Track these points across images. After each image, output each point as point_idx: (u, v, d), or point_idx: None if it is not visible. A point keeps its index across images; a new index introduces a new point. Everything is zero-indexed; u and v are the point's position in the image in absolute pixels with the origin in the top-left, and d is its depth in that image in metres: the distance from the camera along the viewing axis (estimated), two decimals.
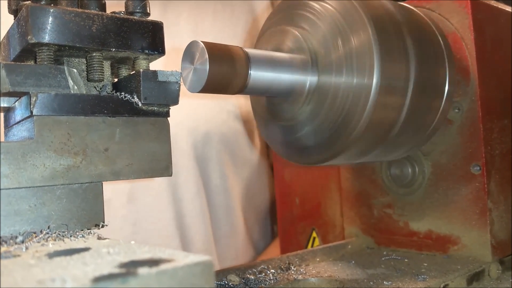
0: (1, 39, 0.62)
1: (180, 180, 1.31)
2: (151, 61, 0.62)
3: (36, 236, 0.50)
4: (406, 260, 0.83)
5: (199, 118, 1.34)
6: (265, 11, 1.48)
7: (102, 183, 0.57)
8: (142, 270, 0.34)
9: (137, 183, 1.27)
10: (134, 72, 0.59)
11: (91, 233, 0.53)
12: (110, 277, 0.33)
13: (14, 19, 0.58)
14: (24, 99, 0.55)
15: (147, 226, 1.29)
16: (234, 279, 0.73)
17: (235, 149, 1.42)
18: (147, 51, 0.60)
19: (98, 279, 0.32)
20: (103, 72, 0.59)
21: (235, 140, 1.42)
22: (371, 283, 0.71)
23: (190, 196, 1.33)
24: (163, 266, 0.35)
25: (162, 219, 1.30)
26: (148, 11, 0.61)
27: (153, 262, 0.36)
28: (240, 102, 1.43)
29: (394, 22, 0.71)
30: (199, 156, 1.33)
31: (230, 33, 1.43)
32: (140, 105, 0.59)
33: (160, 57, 0.62)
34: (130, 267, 0.35)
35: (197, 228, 1.33)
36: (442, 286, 0.70)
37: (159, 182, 1.29)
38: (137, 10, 0.60)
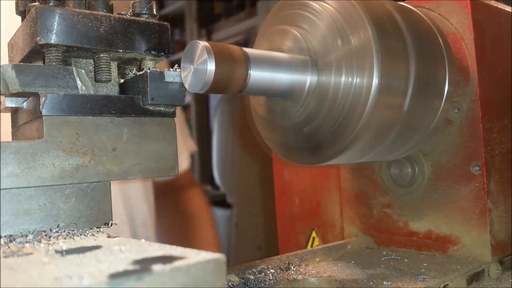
0: (1, 40, 0.63)
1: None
2: (157, 62, 0.63)
3: (46, 235, 0.50)
4: (405, 260, 0.83)
5: None
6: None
7: (110, 183, 0.58)
8: (156, 267, 0.34)
9: None
10: (141, 72, 0.60)
11: (100, 231, 0.54)
12: (126, 273, 0.33)
13: (22, 20, 0.58)
14: (33, 99, 0.55)
15: None
16: (233, 279, 0.72)
17: None
18: (154, 52, 0.61)
19: (114, 276, 0.33)
20: (111, 73, 0.59)
21: None
22: (371, 283, 0.71)
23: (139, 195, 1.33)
24: (176, 263, 0.36)
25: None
26: (155, 13, 0.61)
27: (166, 259, 0.37)
28: None
29: (394, 22, 0.72)
30: None
31: None
32: (147, 105, 0.59)
33: (166, 58, 0.63)
34: (144, 264, 0.36)
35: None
36: (442, 286, 0.70)
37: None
38: (144, 12, 0.60)
